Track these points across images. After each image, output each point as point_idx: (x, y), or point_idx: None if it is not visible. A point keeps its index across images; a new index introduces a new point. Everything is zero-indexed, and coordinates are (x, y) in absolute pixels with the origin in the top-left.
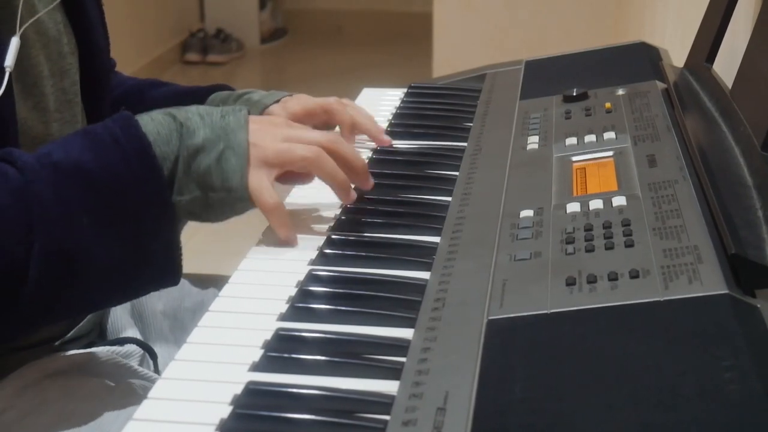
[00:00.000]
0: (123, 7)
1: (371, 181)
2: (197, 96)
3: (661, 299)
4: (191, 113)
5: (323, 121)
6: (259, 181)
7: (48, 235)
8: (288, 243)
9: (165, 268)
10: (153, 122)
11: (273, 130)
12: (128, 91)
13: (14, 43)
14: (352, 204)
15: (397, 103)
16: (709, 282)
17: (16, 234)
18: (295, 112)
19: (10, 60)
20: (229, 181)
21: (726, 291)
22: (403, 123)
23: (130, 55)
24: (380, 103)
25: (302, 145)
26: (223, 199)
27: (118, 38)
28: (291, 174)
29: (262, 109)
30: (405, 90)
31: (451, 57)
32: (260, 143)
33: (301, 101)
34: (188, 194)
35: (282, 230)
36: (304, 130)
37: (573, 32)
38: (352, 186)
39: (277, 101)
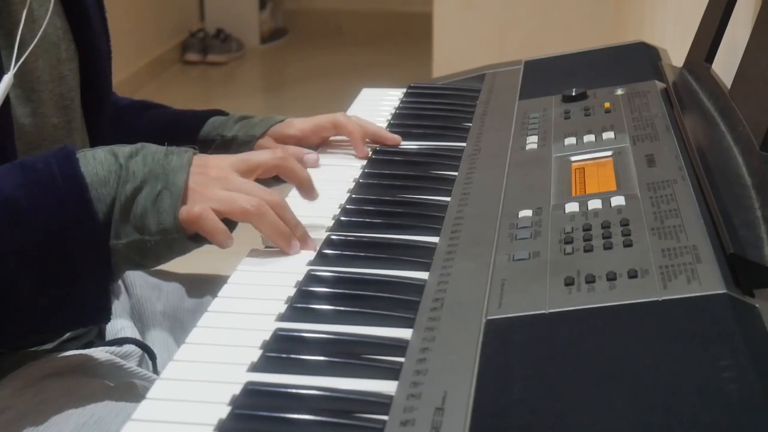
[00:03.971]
0: (123, 8)
1: (315, 195)
2: (193, 120)
3: (660, 299)
4: (134, 151)
5: (331, 135)
6: (198, 212)
7: None
8: (225, 242)
9: (93, 310)
10: (93, 161)
11: (216, 176)
12: (124, 111)
13: (6, 80)
14: (292, 251)
15: (397, 104)
16: (708, 282)
17: None
18: (304, 128)
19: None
20: (163, 223)
21: (724, 291)
22: (403, 123)
23: (130, 55)
24: (380, 103)
25: (244, 195)
26: (159, 242)
27: (118, 38)
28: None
29: (265, 129)
30: (405, 90)
31: (450, 57)
32: (199, 189)
33: (305, 120)
34: (125, 237)
35: (216, 235)
36: (248, 182)
37: (573, 32)
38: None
39: (281, 121)
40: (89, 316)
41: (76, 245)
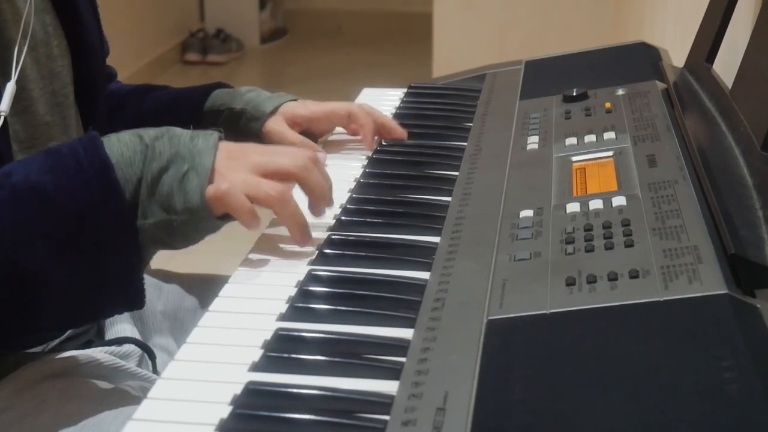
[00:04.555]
0: (123, 8)
1: (321, 211)
2: (196, 96)
3: (661, 299)
4: (160, 134)
5: (343, 124)
6: (223, 189)
7: (2, 256)
8: (251, 221)
9: (126, 293)
10: (119, 143)
11: (242, 158)
12: (127, 96)
13: (9, 88)
14: (303, 243)
15: (397, 103)
16: (709, 282)
17: None
18: (316, 111)
19: (5, 105)
20: (190, 202)
21: (726, 291)
22: (403, 123)
23: (130, 55)
24: (380, 103)
25: (269, 182)
26: (186, 222)
27: (117, 39)
28: None
29: (276, 106)
30: (405, 90)
31: (451, 57)
32: (224, 172)
33: (320, 103)
34: (152, 217)
35: (242, 210)
36: (275, 154)
37: (573, 32)
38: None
39: (295, 100)
40: (123, 300)
41: (105, 227)
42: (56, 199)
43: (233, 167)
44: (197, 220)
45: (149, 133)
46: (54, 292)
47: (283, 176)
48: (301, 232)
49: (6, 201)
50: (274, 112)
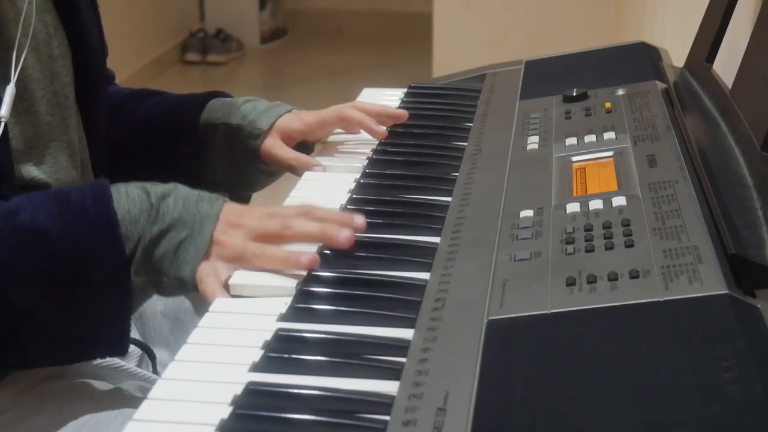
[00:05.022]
0: (123, 8)
1: (341, 239)
2: (194, 104)
3: (661, 299)
4: (167, 192)
5: (338, 128)
6: (208, 273)
7: None
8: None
9: (111, 340)
10: (126, 198)
11: (240, 225)
12: (125, 99)
13: (9, 91)
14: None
15: (397, 103)
16: (709, 282)
17: None
18: (309, 122)
19: (5, 110)
20: (180, 272)
21: (726, 291)
22: (403, 123)
23: (130, 55)
24: (380, 103)
25: (254, 243)
26: (174, 287)
27: (117, 39)
28: None
29: (272, 121)
30: (405, 90)
31: (451, 57)
32: (222, 240)
33: (312, 113)
34: (143, 276)
35: (209, 293)
36: (266, 219)
37: (573, 32)
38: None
39: (289, 111)
40: (107, 346)
41: (100, 278)
42: (59, 244)
43: (231, 234)
44: (183, 289)
45: (157, 190)
46: (42, 331)
47: (277, 239)
48: (297, 266)
49: (8, 239)
50: (270, 129)
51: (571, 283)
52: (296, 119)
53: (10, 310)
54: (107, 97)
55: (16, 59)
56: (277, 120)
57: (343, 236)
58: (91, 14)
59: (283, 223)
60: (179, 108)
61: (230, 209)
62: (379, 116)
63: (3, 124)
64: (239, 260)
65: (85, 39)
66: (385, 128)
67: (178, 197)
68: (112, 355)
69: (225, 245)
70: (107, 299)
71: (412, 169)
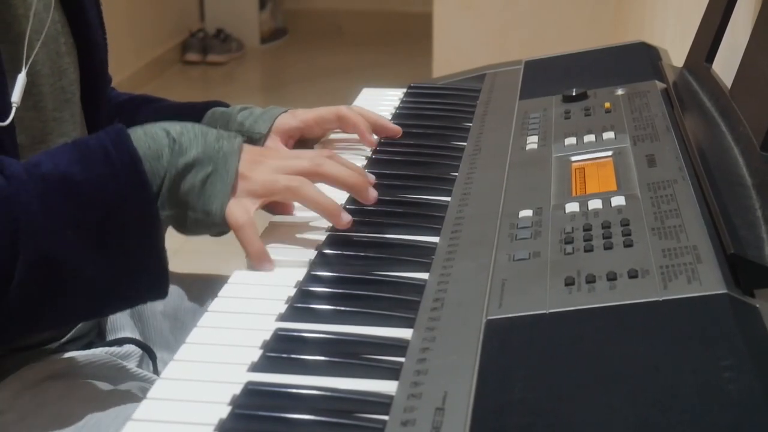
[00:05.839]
0: (123, 8)
1: (371, 194)
2: (193, 112)
3: (660, 299)
4: (186, 129)
5: (335, 127)
6: (238, 209)
7: (33, 245)
8: (259, 262)
9: (152, 281)
10: (145, 136)
11: (263, 161)
12: (123, 104)
13: (20, 79)
14: (344, 227)
15: (397, 103)
16: (708, 282)
17: (0, 242)
18: (307, 119)
19: (17, 96)
20: (209, 206)
21: (725, 291)
22: (403, 123)
23: (130, 55)
24: (380, 103)
25: (287, 175)
26: (200, 220)
27: (117, 39)
28: (277, 204)
29: (270, 124)
30: (405, 90)
31: (450, 57)
32: (249, 174)
33: (309, 111)
34: (169, 210)
35: (251, 247)
36: (292, 158)
37: (572, 32)
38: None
39: (285, 111)
40: (147, 287)
41: (131, 217)
42: (86, 189)
43: (256, 169)
44: (210, 223)
45: (175, 127)
46: (83, 280)
47: (307, 176)
48: (333, 215)
49: (37, 191)
50: (268, 132)
51: (570, 282)
52: (292, 118)
53: (47, 261)
54: (106, 101)
55: (27, 51)
56: (275, 122)
57: (373, 193)
58: (95, 12)
59: (314, 160)
60: (178, 116)
61: (250, 147)
62: (375, 125)
63: (14, 109)
64: (269, 194)
65: (90, 37)
66: (376, 138)
67: (197, 133)
68: (153, 298)
69: (252, 180)
70: (140, 239)
71: (411, 169)
